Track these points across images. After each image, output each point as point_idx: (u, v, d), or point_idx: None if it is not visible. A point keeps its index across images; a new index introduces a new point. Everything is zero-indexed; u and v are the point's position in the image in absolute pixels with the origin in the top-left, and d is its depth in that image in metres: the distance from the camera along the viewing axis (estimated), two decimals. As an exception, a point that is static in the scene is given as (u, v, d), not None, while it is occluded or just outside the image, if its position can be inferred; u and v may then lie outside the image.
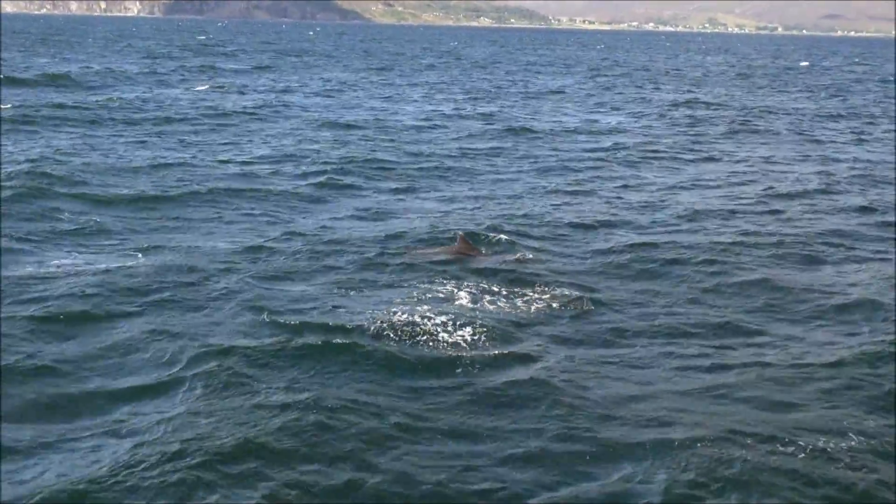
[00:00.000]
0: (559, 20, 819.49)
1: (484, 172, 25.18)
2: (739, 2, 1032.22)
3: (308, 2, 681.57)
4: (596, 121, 39.64)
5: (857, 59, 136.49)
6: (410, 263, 14.53)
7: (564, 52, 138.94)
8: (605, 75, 77.08)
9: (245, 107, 39.54)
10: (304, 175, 23.38)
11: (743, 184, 24.15)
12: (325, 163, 25.24)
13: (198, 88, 48.10)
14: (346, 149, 28.32)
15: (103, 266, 14.00)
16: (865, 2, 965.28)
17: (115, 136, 29.66)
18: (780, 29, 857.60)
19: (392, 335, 11.01)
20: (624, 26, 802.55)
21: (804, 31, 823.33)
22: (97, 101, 38.77)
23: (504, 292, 13.02)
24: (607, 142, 32.41)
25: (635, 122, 39.96)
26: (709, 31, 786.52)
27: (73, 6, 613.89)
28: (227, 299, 12.61)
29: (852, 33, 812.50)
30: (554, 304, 12.58)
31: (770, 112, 45.56)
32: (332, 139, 30.79)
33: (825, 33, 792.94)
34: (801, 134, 37.01)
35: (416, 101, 46.93)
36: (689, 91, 60.28)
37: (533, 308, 12.50)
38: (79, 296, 12.36)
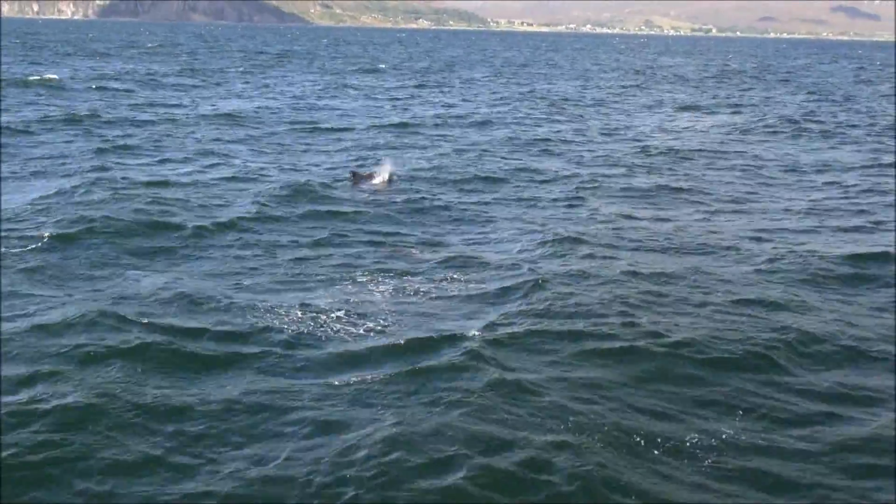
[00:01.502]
0: (497, 22, 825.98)
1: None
2: (674, 3, 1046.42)
3: (245, 3, 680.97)
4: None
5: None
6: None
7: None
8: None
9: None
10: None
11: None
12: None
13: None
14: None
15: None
16: (798, 3, 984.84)
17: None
18: (714, 31, 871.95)
19: None
20: (562, 28, 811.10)
21: (738, 33, 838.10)
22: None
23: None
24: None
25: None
26: (645, 32, 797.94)
27: (5, 8, 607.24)
28: None
29: (784, 35, 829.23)
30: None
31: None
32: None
33: (759, 35, 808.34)
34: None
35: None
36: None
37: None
38: None
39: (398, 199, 20.77)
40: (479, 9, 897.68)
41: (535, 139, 33.34)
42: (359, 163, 26.41)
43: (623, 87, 65.90)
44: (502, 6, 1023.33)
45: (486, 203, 21.04)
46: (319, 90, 54.46)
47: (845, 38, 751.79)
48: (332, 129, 35.27)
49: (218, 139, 30.91)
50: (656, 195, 22.68)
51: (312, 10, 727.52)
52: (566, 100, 52.30)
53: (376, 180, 23.31)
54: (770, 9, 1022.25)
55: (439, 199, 21.07)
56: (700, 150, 31.14)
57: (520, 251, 16.46)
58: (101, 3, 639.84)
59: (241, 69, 72.87)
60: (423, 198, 21.05)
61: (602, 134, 36.27)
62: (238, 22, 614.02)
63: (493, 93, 56.15)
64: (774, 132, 37.74)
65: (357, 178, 23.37)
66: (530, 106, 47.43)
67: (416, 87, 60.02)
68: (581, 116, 42.91)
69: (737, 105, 51.65)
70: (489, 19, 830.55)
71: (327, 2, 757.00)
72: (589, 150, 30.96)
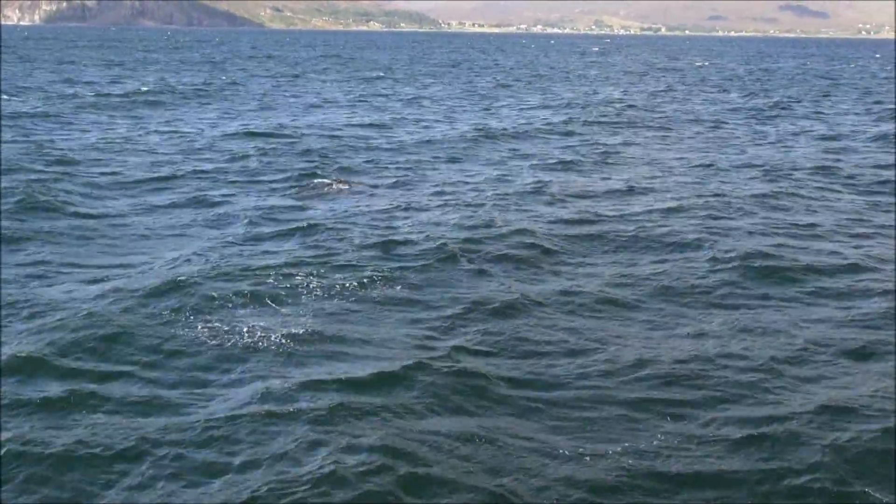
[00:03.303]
0: (449, 24, 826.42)
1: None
2: (623, 3, 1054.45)
3: (194, 8, 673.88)
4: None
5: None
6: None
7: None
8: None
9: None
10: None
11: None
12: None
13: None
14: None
15: None
16: (746, 2, 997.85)
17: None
18: (663, 30, 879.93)
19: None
20: (512, 29, 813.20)
21: (686, 32, 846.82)
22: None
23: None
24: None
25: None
26: (595, 32, 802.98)
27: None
28: None
29: (732, 33, 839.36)
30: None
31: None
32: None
33: (706, 33, 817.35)
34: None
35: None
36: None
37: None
38: None
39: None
40: (430, 10, 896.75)
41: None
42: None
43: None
44: (452, 7, 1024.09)
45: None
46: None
47: (792, 35, 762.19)
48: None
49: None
50: None
51: (263, 14, 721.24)
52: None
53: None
54: (718, 7, 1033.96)
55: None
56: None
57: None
58: (48, 7, 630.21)
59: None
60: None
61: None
62: (187, 26, 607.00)
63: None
64: None
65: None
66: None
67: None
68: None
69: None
70: (440, 20, 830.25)
71: (277, 4, 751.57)
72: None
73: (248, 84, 60.22)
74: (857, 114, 45.05)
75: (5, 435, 8.82)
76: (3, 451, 8.52)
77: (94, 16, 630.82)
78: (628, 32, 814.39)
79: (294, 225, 17.73)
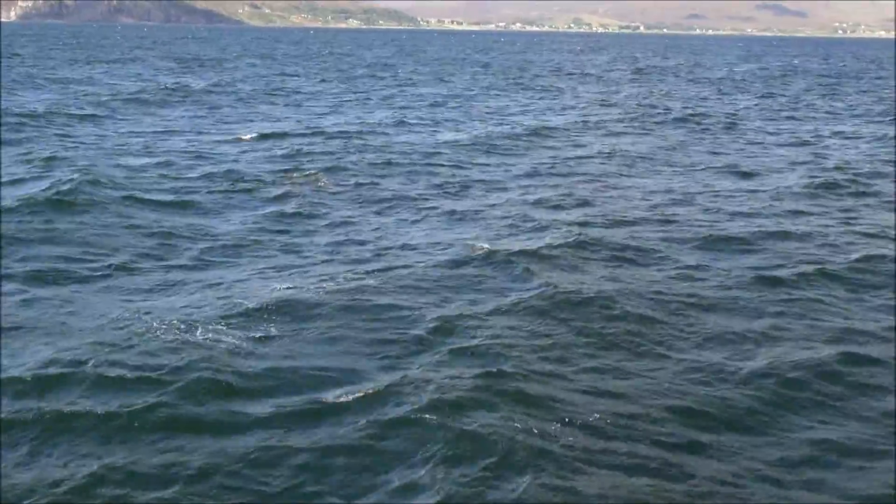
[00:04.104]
0: (428, 21, 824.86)
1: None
2: (602, 2, 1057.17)
3: (172, 5, 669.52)
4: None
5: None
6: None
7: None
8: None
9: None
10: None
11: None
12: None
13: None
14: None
15: None
16: (724, 1, 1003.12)
17: None
18: (642, 28, 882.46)
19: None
20: (492, 27, 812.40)
21: (664, 30, 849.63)
22: None
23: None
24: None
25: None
26: (574, 30, 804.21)
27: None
28: None
29: (710, 31, 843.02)
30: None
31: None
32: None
33: (684, 32, 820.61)
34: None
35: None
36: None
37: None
38: None
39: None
40: (409, 8, 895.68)
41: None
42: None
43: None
44: (431, 5, 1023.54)
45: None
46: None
47: (769, 34, 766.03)
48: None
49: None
50: None
51: (241, 11, 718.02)
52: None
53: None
54: (696, 6, 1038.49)
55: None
56: None
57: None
58: (24, 4, 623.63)
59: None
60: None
61: None
62: (165, 23, 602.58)
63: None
64: None
65: None
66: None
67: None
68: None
69: None
70: (419, 18, 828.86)
71: (255, 2, 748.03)
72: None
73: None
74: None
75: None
76: None
77: (72, 13, 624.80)
78: (607, 31, 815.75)
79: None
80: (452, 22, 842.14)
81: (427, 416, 8.88)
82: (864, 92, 61.42)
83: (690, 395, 9.81)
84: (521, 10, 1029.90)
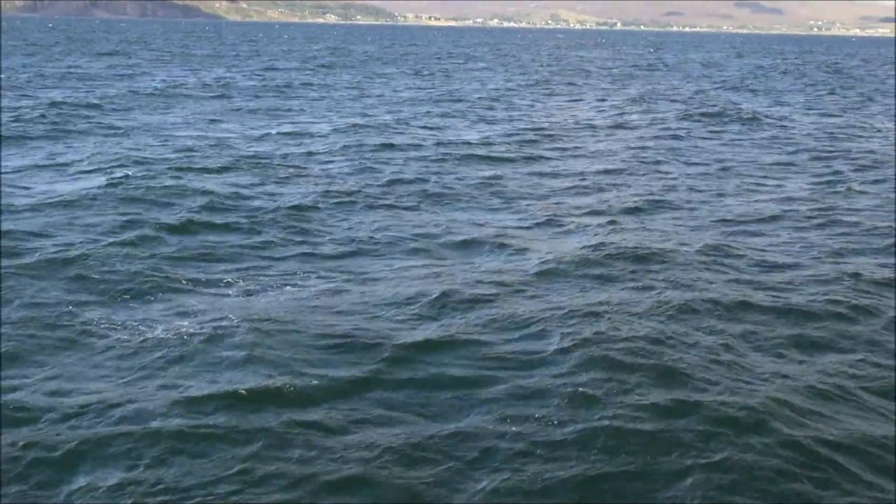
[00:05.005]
0: (405, 17, 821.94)
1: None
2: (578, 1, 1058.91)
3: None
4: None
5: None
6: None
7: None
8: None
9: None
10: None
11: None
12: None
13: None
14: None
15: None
16: (700, 1, 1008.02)
17: None
18: (619, 25, 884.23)
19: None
20: (469, 23, 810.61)
21: (642, 27, 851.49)
22: None
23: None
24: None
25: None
26: (552, 27, 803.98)
27: None
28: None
29: (687, 29, 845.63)
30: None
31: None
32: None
33: (661, 28, 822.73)
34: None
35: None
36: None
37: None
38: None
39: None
40: (386, 4, 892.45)
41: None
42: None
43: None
44: (407, 2, 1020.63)
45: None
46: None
47: (745, 31, 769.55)
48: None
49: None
50: None
51: (218, 6, 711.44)
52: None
53: None
54: (674, 4, 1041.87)
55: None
56: None
57: None
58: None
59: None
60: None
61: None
62: (141, 17, 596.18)
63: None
64: None
65: None
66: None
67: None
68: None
69: None
70: (397, 14, 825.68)
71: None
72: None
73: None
74: None
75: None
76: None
77: (46, 7, 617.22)
78: (584, 27, 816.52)
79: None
80: (430, 18, 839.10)
81: None
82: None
83: None
84: (497, 6, 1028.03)
